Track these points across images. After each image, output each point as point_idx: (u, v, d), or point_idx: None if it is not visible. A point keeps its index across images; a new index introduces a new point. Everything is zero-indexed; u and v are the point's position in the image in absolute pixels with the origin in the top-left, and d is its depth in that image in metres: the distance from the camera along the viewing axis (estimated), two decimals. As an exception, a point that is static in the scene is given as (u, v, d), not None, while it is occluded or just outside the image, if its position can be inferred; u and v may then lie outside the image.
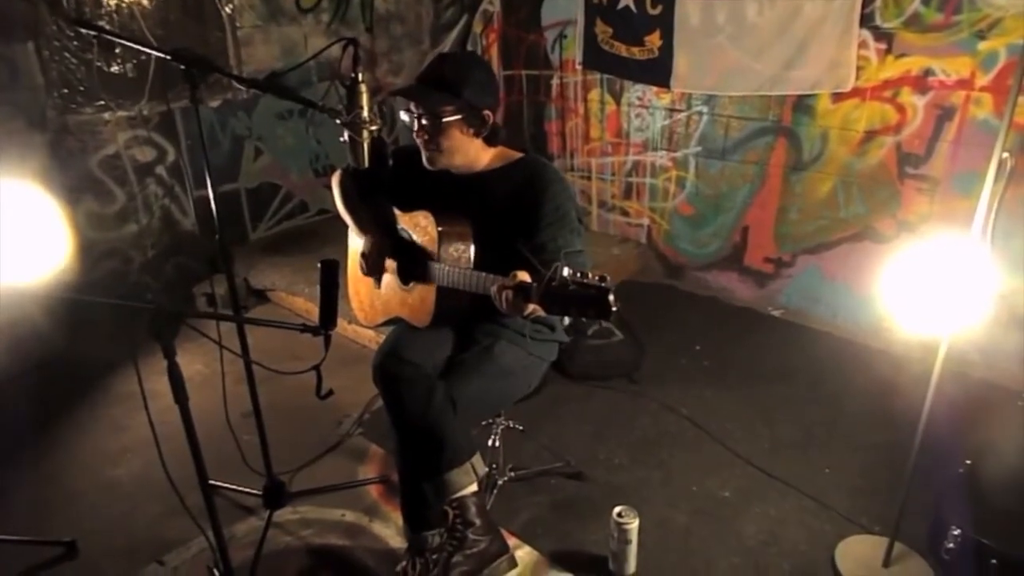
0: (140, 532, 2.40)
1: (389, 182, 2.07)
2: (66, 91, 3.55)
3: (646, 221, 4.22)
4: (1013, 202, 2.91)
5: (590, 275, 1.50)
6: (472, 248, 1.94)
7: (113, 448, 2.86)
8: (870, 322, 3.38)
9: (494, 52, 4.58)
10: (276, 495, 2.37)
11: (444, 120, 1.86)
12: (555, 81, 4.34)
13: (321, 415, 2.93)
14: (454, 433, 1.84)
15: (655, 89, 3.90)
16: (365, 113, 1.64)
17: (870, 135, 3.24)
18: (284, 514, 2.44)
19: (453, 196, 1.98)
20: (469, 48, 4.72)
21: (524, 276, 1.62)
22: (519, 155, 2.02)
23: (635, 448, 2.75)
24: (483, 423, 2.35)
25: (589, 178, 4.40)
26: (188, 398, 1.71)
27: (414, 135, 1.93)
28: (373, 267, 2.08)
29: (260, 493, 2.39)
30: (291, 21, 4.32)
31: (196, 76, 1.76)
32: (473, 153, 1.97)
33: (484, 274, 1.74)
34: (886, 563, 2.12)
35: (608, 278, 1.49)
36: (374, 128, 1.66)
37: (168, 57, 1.76)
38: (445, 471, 1.84)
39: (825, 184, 3.45)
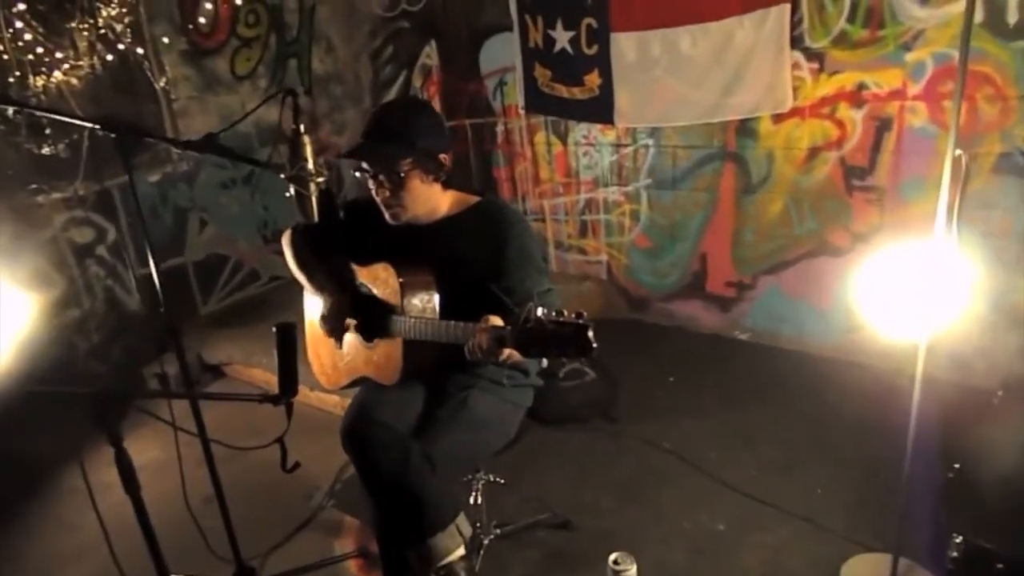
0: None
1: (343, 235, 1.99)
2: (-7, 176, 3.40)
3: (604, 257, 4.21)
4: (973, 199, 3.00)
5: (566, 313, 1.44)
6: (436, 297, 1.87)
7: (66, 549, 2.64)
8: (836, 335, 3.39)
9: (436, 104, 4.58)
10: (248, 583, 2.19)
11: (403, 174, 1.80)
12: (499, 128, 4.35)
13: (290, 490, 2.77)
14: (435, 494, 1.73)
15: (600, 126, 3.93)
16: (310, 165, 1.57)
17: (814, 152, 3.30)
18: (259, 603, 2.27)
19: (412, 246, 1.90)
20: (411, 102, 4.72)
21: (496, 320, 1.55)
22: (476, 199, 1.97)
23: (621, 489, 2.66)
24: (464, 479, 2.23)
25: (543, 220, 4.38)
26: (140, 487, 1.58)
27: (374, 193, 1.86)
28: (334, 327, 1.97)
29: (230, 583, 2.22)
30: (227, 89, 4.26)
31: (128, 144, 1.67)
32: (434, 200, 1.91)
33: (453, 323, 1.66)
34: (892, 580, 2.06)
35: (585, 314, 1.43)
36: (320, 180, 1.59)
37: (98, 127, 1.67)
38: (429, 536, 1.72)
39: (776, 204, 3.49)
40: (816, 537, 2.32)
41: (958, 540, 2.01)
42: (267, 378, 3.69)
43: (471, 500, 2.27)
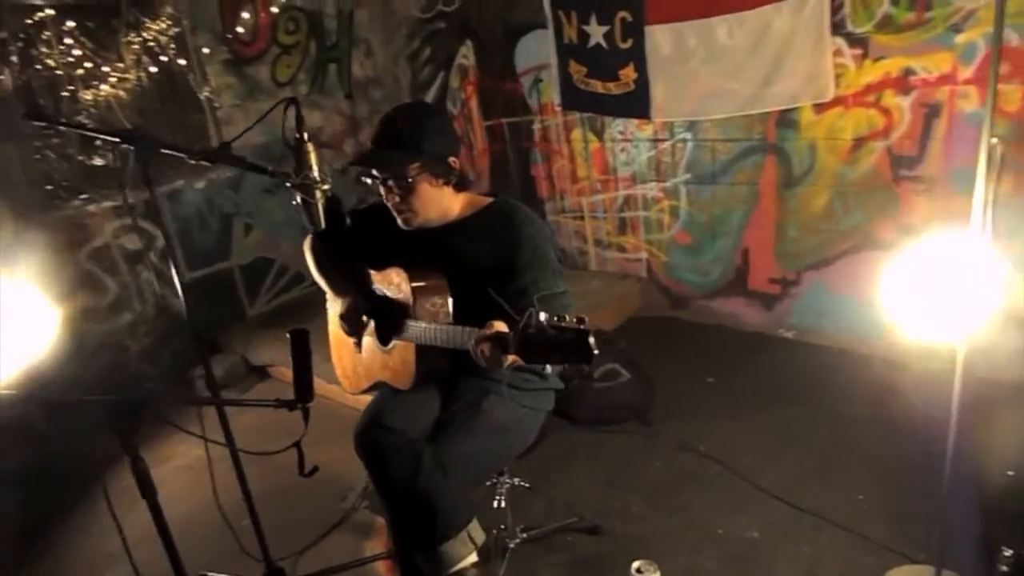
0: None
1: (353, 241, 2.00)
2: (50, 187, 3.56)
3: (644, 255, 4.13)
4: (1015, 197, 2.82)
5: (568, 317, 1.40)
6: (450, 301, 1.85)
7: (103, 551, 2.74)
8: (882, 334, 3.23)
9: (473, 104, 4.59)
10: (276, 583, 2.23)
11: (411, 179, 1.79)
12: (536, 126, 4.32)
13: (324, 492, 2.80)
14: (446, 501, 1.71)
15: (636, 121, 3.86)
16: (316, 173, 1.58)
17: (859, 142, 3.16)
18: (288, 602, 2.31)
19: (426, 250, 1.89)
20: (449, 104, 4.73)
21: (500, 326, 1.53)
22: (489, 200, 1.95)
23: (652, 494, 2.60)
24: (487, 484, 2.21)
25: (582, 218, 4.33)
26: (156, 492, 1.61)
27: (384, 199, 1.86)
28: (352, 327, 1.99)
29: (260, 583, 2.26)
30: (269, 96, 4.35)
31: (146, 155, 1.70)
32: (445, 203, 1.90)
33: (460, 328, 1.64)
34: (935, 594, 1.94)
35: (586, 319, 1.39)
36: (326, 187, 1.59)
37: (117, 139, 1.72)
38: (440, 543, 1.71)
39: (820, 197, 3.36)
40: (856, 547, 2.21)
41: (1008, 553, 1.89)
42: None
43: (495, 504, 2.25)
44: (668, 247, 4.02)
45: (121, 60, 3.70)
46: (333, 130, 4.70)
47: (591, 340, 1.37)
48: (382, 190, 1.83)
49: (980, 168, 1.57)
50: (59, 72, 3.51)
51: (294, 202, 1.61)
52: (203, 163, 1.72)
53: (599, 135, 4.05)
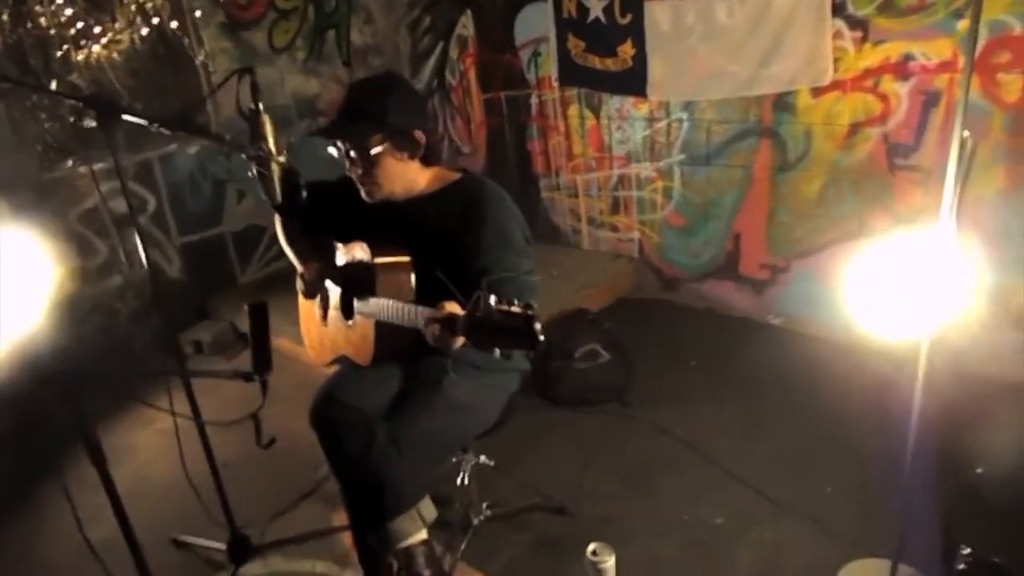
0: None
1: (312, 213, 1.98)
2: (39, 148, 3.56)
3: (636, 235, 4.09)
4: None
5: (515, 303, 1.38)
6: (413, 278, 1.84)
7: (90, 508, 2.78)
8: (871, 325, 3.19)
9: (472, 76, 4.52)
10: (240, 550, 2.26)
11: (374, 151, 1.77)
12: (534, 100, 4.25)
13: (302, 460, 2.82)
14: (396, 478, 1.71)
15: (633, 100, 3.79)
16: (271, 145, 1.56)
17: (855, 128, 3.09)
18: (254, 568, 2.34)
19: (390, 224, 1.88)
20: (448, 75, 4.67)
21: (452, 307, 1.51)
22: (457, 175, 1.92)
23: (624, 476, 2.60)
24: (449, 462, 2.21)
25: (576, 196, 4.29)
26: (106, 460, 1.62)
27: (347, 171, 1.84)
28: (311, 289, 1.98)
29: (225, 548, 2.29)
30: (265, 62, 4.31)
31: (110, 121, 1.69)
32: (411, 177, 1.87)
33: (413, 307, 1.63)
34: (891, 589, 1.93)
35: (534, 306, 1.37)
36: (281, 159, 1.57)
37: (80, 103, 1.70)
38: (388, 519, 1.72)
39: (814, 183, 3.29)
40: (819, 538, 2.20)
41: (966, 552, 1.87)
42: (294, 349, 3.77)
43: (459, 481, 2.25)
44: (661, 228, 3.97)
45: (114, 20, 3.67)
46: (330, 97, 4.64)
47: (536, 327, 1.34)
48: (346, 161, 1.80)
49: (951, 159, 1.52)
50: (52, 32, 3.48)
51: (250, 173, 1.59)
52: (162, 131, 1.69)
53: (596, 112, 3.99)
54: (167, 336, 2.03)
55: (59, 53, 3.51)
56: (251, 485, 2.72)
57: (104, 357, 3.69)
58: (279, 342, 3.88)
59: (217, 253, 4.33)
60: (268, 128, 1.57)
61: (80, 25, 3.54)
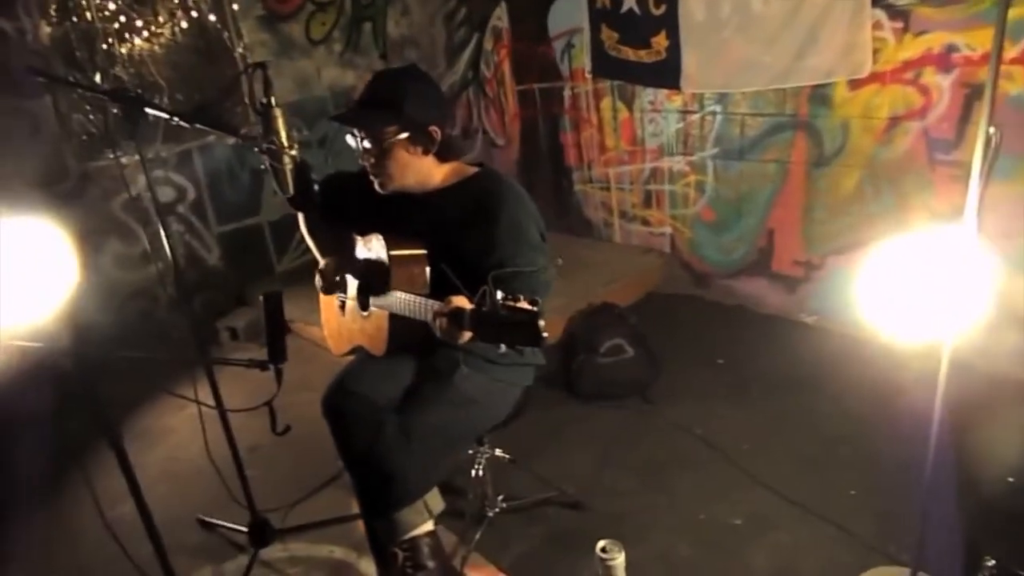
0: (136, 572, 2.39)
1: (325, 206, 2.00)
2: (85, 139, 3.68)
3: (668, 230, 4.04)
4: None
5: (521, 299, 1.38)
6: (428, 271, 1.85)
7: (122, 486, 2.89)
8: (902, 326, 3.09)
9: (506, 68, 4.52)
10: (260, 533, 2.31)
11: (387, 142, 1.78)
12: (567, 92, 4.23)
13: (327, 447, 2.88)
14: (403, 469, 1.73)
15: (666, 92, 3.74)
16: (283, 138, 1.58)
17: (894, 122, 2.99)
18: (274, 551, 2.39)
19: (407, 217, 1.89)
20: (483, 67, 4.67)
21: (460, 301, 1.51)
22: (474, 170, 1.92)
23: (642, 472, 2.58)
24: (461, 454, 2.23)
25: (608, 189, 4.25)
26: (122, 438, 1.67)
27: (360, 160, 1.86)
28: (329, 284, 2.01)
29: (246, 530, 2.35)
30: (303, 54, 4.37)
31: (135, 114, 1.74)
32: (425, 172, 1.88)
33: (423, 300, 1.64)
34: (910, 598, 1.88)
35: (539, 302, 1.37)
36: (294, 153, 1.59)
37: (105, 96, 1.76)
38: (394, 510, 1.74)
39: (850, 178, 3.20)
40: (838, 543, 2.15)
41: (990, 563, 1.81)
42: (323, 337, 3.83)
43: (473, 473, 2.27)
44: (693, 223, 3.91)
45: (156, 14, 3.77)
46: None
47: (540, 324, 1.35)
48: (360, 150, 1.82)
49: (976, 156, 1.46)
50: (97, 25, 3.60)
51: (262, 167, 1.62)
52: (182, 124, 1.73)
53: (629, 105, 3.95)
54: (192, 325, 2.07)
55: (104, 46, 3.62)
56: (278, 470, 2.79)
57: (142, 342, 3.81)
58: (310, 331, 3.96)
59: (255, 242, 4.42)
60: (280, 122, 1.60)
61: (123, 19, 3.64)
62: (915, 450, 2.44)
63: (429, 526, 1.79)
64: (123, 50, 3.67)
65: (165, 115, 1.71)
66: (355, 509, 2.56)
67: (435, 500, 1.80)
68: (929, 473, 1.76)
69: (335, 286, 2.02)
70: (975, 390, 2.22)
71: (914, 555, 1.86)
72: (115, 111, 3.76)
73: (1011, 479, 2.02)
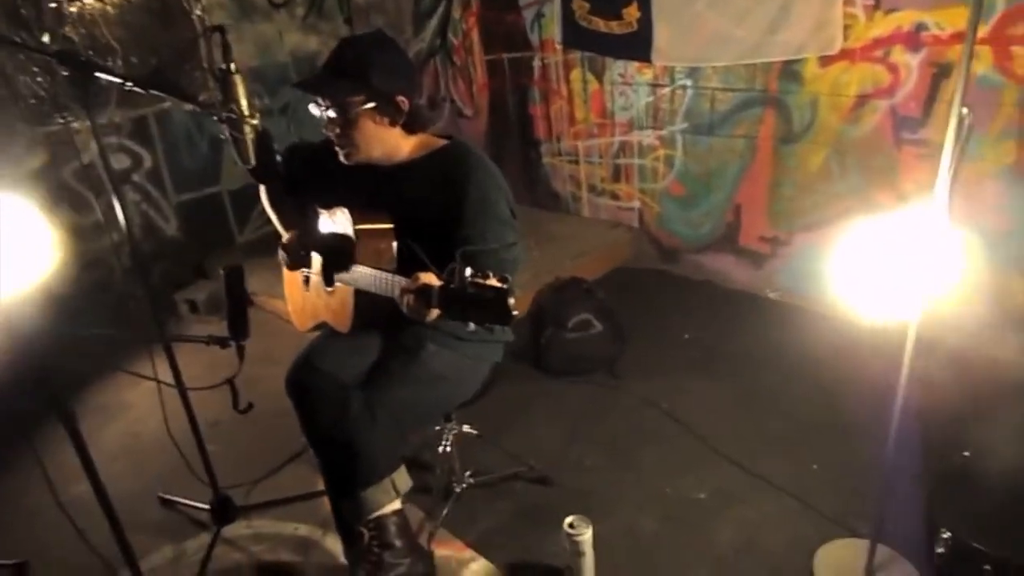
0: (95, 550, 2.33)
1: (289, 177, 1.94)
2: (34, 102, 3.51)
3: (637, 204, 4.03)
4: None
5: (490, 276, 1.34)
6: (394, 246, 1.80)
7: (77, 463, 2.81)
8: (867, 302, 3.14)
9: (475, 37, 4.42)
10: (223, 510, 2.27)
11: (353, 111, 1.72)
12: (536, 63, 4.16)
13: (292, 422, 2.83)
14: (370, 446, 1.70)
15: (637, 65, 3.69)
16: (244, 107, 1.51)
17: (862, 99, 3.00)
18: (238, 528, 2.35)
19: (373, 190, 1.83)
20: (450, 35, 4.57)
21: (428, 278, 1.47)
22: (443, 142, 1.87)
23: (608, 448, 2.59)
24: (432, 430, 2.21)
25: (577, 162, 4.22)
26: (75, 416, 1.61)
27: (324, 130, 1.79)
28: (292, 258, 1.95)
29: (208, 508, 2.30)
30: (264, 17, 4.22)
31: (86, 79, 1.65)
32: (392, 143, 1.82)
33: (389, 276, 1.59)
34: (869, 569, 1.93)
35: (509, 279, 1.34)
36: (255, 122, 1.53)
37: (53, 59, 1.66)
38: (361, 489, 1.71)
39: (818, 155, 3.22)
40: (801, 517, 2.19)
41: (945, 536, 1.85)
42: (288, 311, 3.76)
43: (440, 449, 2.25)
44: (661, 197, 3.91)
45: (108, -29, 3.58)
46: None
47: (510, 301, 1.31)
48: (324, 119, 1.76)
49: (948, 137, 1.46)
50: (44, -18, 3.41)
51: (222, 136, 1.55)
52: (136, 90, 1.65)
53: (599, 77, 3.90)
54: (150, 299, 1.99)
55: (52, 4, 3.44)
56: (241, 445, 2.74)
57: (98, 314, 3.69)
58: (273, 303, 3.88)
59: (215, 212, 4.30)
60: (240, 89, 1.53)
61: (73, -25, 3.46)
62: (876, 426, 2.51)
63: (396, 505, 1.77)
64: (73, 9, 3.49)
65: (118, 80, 1.62)
66: (320, 486, 2.52)
67: (402, 479, 1.78)
68: (891, 448, 1.79)
69: (299, 261, 1.96)
70: (940, 365, 2.28)
71: (873, 528, 1.90)
72: (65, 73, 3.61)
73: (966, 453, 2.06)
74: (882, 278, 2.83)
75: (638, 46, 3.58)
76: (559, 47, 3.96)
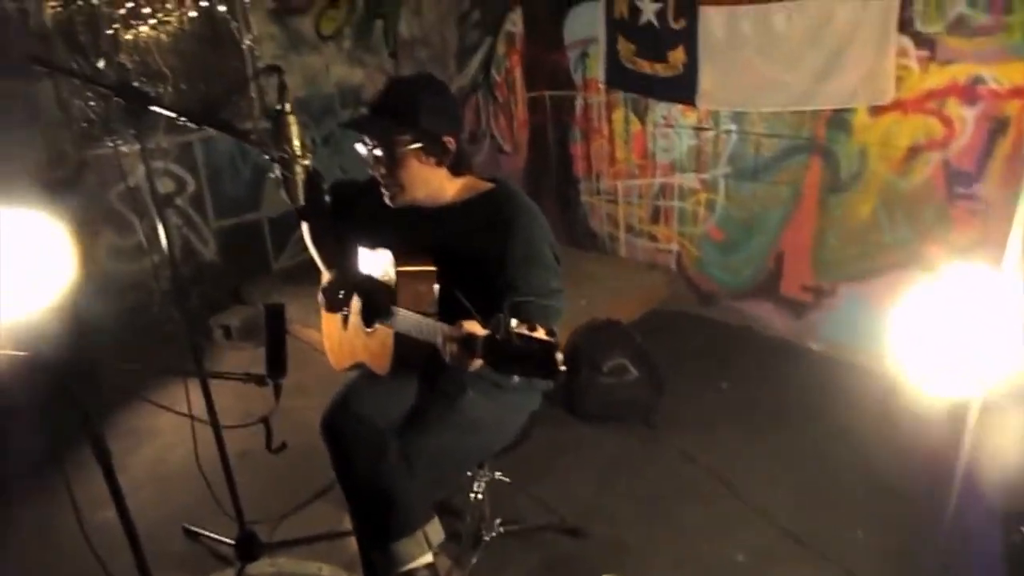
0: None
1: (335, 217, 1.93)
2: (85, 125, 3.59)
3: (675, 246, 3.97)
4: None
5: (537, 328, 1.30)
6: (436, 289, 1.77)
7: (105, 489, 2.80)
8: (916, 362, 3.03)
9: (517, 74, 4.45)
10: (248, 547, 2.23)
11: (399, 151, 1.71)
12: (579, 102, 4.16)
13: (321, 456, 2.80)
14: (405, 497, 1.65)
15: (681, 107, 3.67)
16: (296, 147, 1.50)
17: (914, 151, 2.93)
18: (261, 566, 2.31)
19: (417, 231, 1.81)
20: (493, 71, 4.60)
21: (472, 327, 1.44)
22: (489, 185, 1.84)
23: (643, 501, 2.51)
24: (465, 477, 2.15)
25: (616, 202, 4.18)
26: (111, 454, 1.59)
27: (370, 170, 1.78)
28: (331, 302, 1.93)
29: (233, 543, 2.27)
30: (312, 50, 4.29)
31: (138, 111, 1.66)
32: (437, 184, 1.80)
33: (433, 322, 1.56)
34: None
35: (556, 333, 1.30)
36: (306, 163, 1.52)
37: (111, 92, 1.68)
38: (393, 540, 1.66)
39: (865, 206, 3.14)
40: (844, 585, 2.09)
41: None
42: (322, 342, 3.75)
43: (472, 496, 2.19)
44: (700, 241, 3.85)
45: (164, 1, 3.68)
46: (375, 89, 4.60)
47: (558, 357, 1.27)
48: (371, 159, 1.75)
49: (1021, 200, 1.40)
50: (102, 9, 3.51)
51: (272, 175, 1.55)
52: (190, 125, 1.66)
53: (641, 118, 3.88)
54: (188, 331, 1.99)
55: (109, 32, 3.53)
56: (268, 478, 2.70)
57: (135, 336, 3.72)
58: (308, 334, 3.87)
59: (253, 238, 4.34)
60: (293, 129, 1.52)
61: (130, 5, 3.55)
62: (927, 493, 2.39)
63: (428, 558, 1.71)
64: (128, 36, 3.58)
65: (172, 115, 1.63)
66: (346, 524, 2.48)
67: (435, 531, 1.73)
68: (949, 521, 1.70)
69: (338, 304, 1.94)
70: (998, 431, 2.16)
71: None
72: (115, 100, 3.70)
73: (1023, 529, 1.95)
74: (936, 336, 2.73)
75: (683, 89, 3.56)
76: (603, 87, 3.96)
